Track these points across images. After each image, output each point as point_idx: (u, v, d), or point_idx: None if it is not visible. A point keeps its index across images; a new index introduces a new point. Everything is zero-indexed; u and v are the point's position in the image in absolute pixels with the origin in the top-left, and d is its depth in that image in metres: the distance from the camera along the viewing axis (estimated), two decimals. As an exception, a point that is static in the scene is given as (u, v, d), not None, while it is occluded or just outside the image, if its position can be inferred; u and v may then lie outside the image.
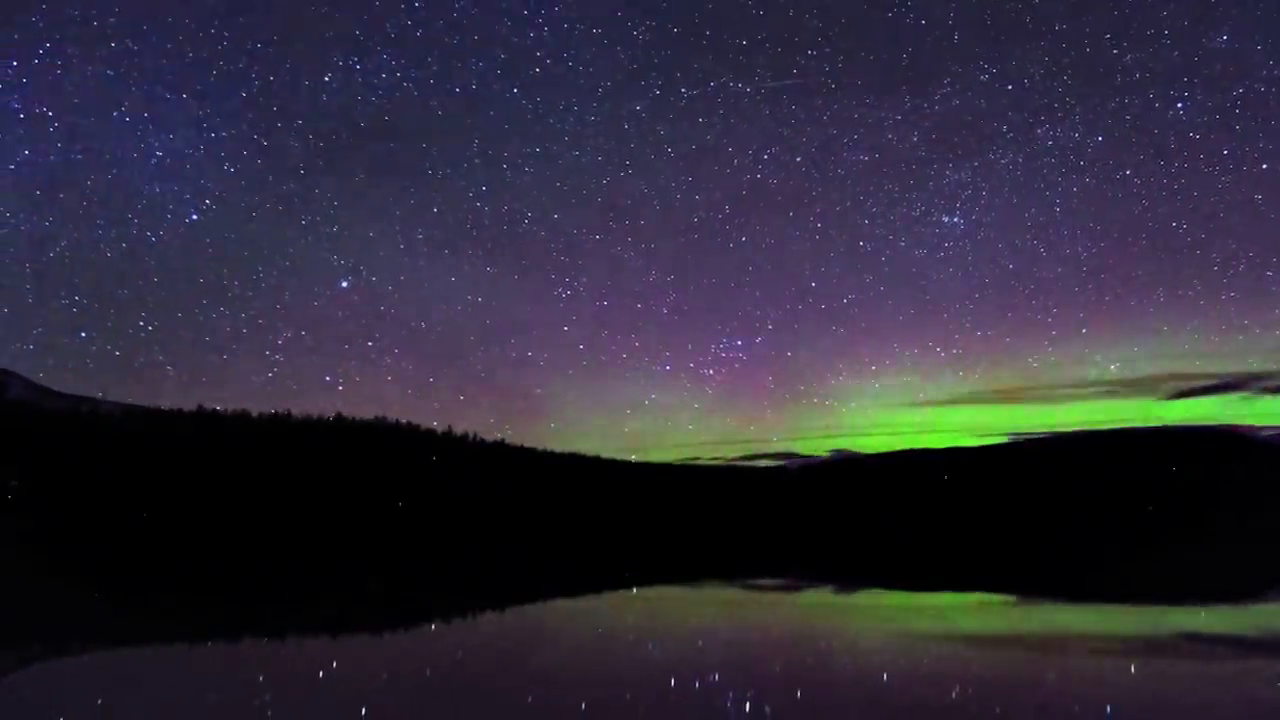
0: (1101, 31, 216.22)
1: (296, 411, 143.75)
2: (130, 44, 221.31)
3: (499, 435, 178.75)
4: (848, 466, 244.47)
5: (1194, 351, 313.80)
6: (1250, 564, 30.04)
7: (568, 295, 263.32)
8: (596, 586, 23.56)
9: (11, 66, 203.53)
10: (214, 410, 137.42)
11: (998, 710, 8.45)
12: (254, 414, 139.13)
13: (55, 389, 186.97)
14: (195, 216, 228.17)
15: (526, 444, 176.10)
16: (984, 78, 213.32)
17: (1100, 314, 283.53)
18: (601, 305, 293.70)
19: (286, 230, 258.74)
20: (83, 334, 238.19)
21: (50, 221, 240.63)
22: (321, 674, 10.60)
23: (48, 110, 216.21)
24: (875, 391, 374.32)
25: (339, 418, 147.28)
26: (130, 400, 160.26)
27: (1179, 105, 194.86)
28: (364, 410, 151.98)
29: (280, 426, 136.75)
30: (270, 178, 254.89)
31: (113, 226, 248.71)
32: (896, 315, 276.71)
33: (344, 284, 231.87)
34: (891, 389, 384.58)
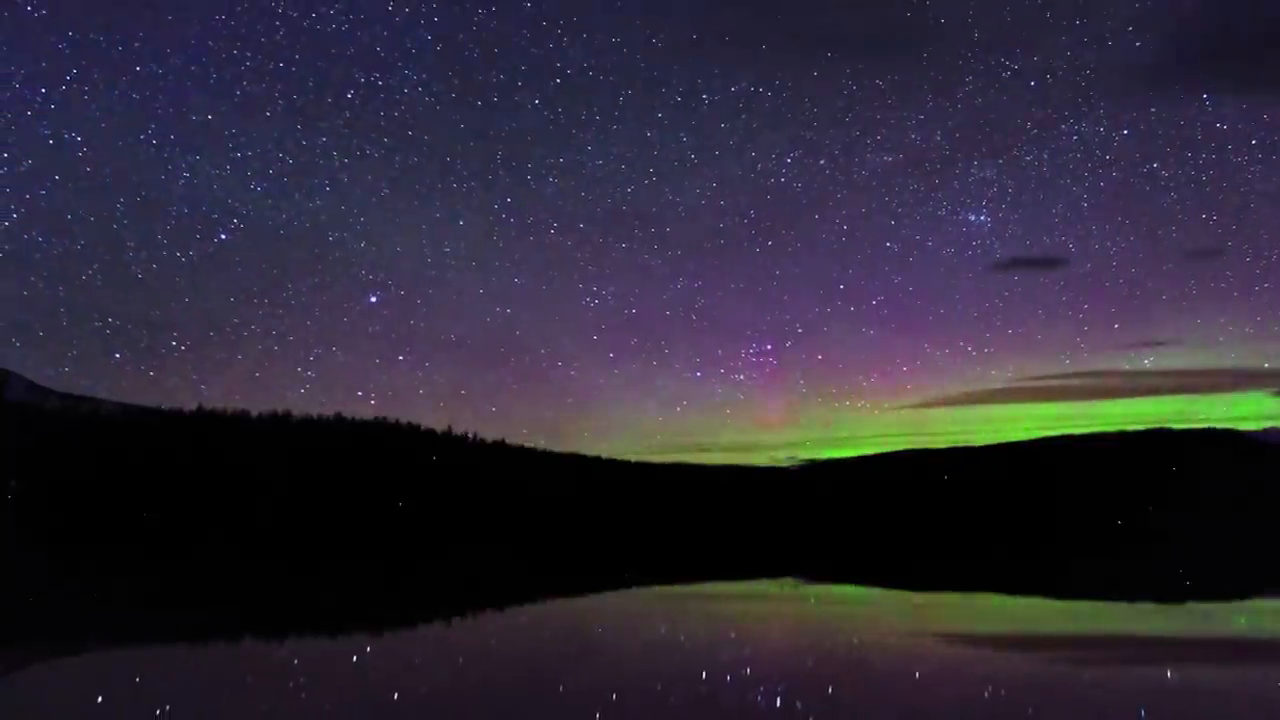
0: (1124, 23, 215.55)
1: (296, 411, 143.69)
2: (155, 67, 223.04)
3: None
4: (847, 467, 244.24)
5: (1229, 344, 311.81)
6: (1249, 563, 30.03)
7: (595, 304, 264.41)
8: (596, 586, 23.55)
9: (40, 93, 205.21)
10: (213, 410, 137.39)
11: (997, 709, 8.45)
12: (254, 414, 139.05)
13: (55, 389, 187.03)
14: (224, 236, 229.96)
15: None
16: (1006, 75, 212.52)
17: (1132, 309, 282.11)
18: (630, 313, 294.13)
19: (314, 247, 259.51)
20: (116, 355, 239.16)
21: (81, 245, 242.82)
22: (321, 674, 10.60)
23: (76, 135, 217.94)
24: (908, 392, 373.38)
25: (339, 417, 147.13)
26: (131, 401, 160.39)
27: (1204, 96, 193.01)
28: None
29: (280, 426, 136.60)
30: (296, 195, 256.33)
31: (142, 248, 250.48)
32: (926, 315, 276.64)
33: (373, 299, 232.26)
34: (925, 389, 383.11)
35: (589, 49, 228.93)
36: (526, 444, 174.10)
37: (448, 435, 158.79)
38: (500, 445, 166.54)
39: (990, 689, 9.44)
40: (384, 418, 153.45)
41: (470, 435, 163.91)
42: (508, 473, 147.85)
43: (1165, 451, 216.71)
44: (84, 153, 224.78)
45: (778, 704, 8.72)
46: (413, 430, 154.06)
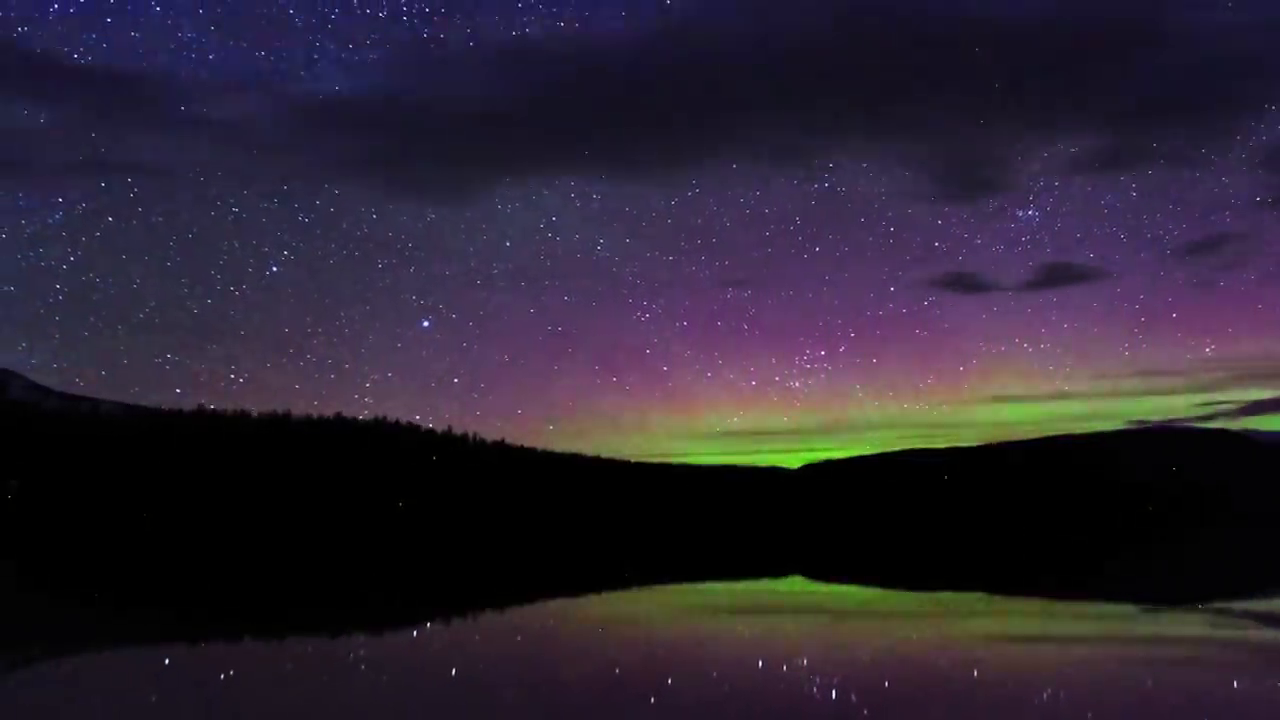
0: (1164, 8, 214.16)
1: (296, 411, 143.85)
2: (201, 109, 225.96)
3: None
4: (847, 467, 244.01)
5: None
6: (1249, 563, 29.98)
7: (646, 319, 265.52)
8: (597, 586, 23.52)
9: (90, 137, 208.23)
10: (213, 410, 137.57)
11: (995, 709, 8.41)
12: (254, 414, 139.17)
13: (55, 389, 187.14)
14: (275, 268, 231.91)
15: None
16: (1046, 68, 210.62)
17: (1189, 296, 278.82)
18: (680, 325, 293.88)
19: (364, 274, 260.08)
20: (178, 390, 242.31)
21: (138, 284, 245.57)
22: (322, 674, 10.56)
23: (128, 176, 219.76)
24: (965, 391, 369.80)
25: (339, 418, 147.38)
26: (130, 400, 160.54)
27: (1250, 79, 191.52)
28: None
29: (280, 427, 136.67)
30: (344, 224, 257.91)
31: (197, 284, 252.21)
32: (979, 314, 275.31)
33: (425, 323, 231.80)
34: (981, 387, 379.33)
35: (626, 64, 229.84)
36: (526, 444, 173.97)
37: (448, 435, 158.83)
38: (500, 445, 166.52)
39: (996, 690, 9.41)
40: (383, 417, 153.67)
41: (470, 435, 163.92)
42: (508, 473, 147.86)
43: (1176, 450, 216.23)
44: (135, 193, 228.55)
45: (775, 701, 8.68)
46: (413, 430, 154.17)
